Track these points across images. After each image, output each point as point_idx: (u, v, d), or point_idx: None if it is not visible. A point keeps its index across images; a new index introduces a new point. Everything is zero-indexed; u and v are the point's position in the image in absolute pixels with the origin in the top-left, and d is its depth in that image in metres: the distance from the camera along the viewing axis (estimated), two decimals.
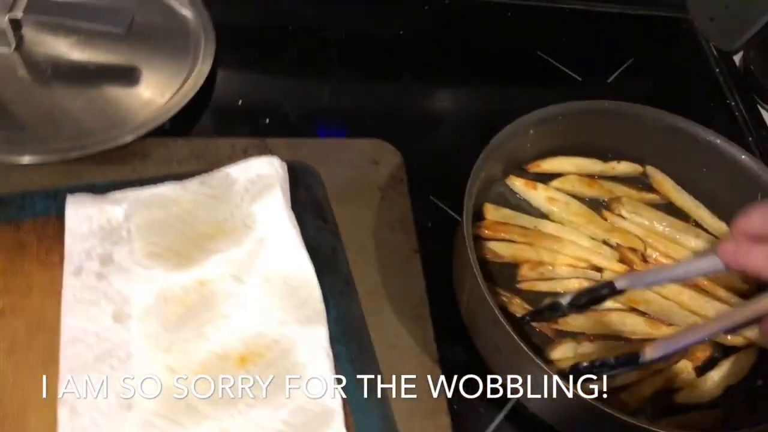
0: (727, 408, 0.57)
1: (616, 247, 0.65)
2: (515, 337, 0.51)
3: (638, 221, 0.67)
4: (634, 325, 0.61)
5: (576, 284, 0.62)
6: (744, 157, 0.65)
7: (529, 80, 0.84)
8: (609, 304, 0.61)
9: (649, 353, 0.50)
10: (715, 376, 0.59)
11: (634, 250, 0.65)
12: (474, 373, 0.58)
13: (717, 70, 0.88)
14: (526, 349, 0.50)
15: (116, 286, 0.56)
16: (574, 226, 0.66)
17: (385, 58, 0.82)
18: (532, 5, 0.90)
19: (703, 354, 0.60)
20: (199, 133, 0.69)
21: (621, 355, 0.52)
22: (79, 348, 0.53)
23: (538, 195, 0.67)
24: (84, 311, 0.54)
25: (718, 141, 0.66)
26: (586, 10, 0.91)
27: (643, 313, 0.61)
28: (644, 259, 0.65)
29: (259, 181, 0.62)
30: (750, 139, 0.81)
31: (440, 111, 0.80)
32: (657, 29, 0.92)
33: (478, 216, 0.65)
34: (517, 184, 0.67)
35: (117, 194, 0.61)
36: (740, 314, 0.50)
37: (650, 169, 0.71)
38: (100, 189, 0.62)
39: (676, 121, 0.66)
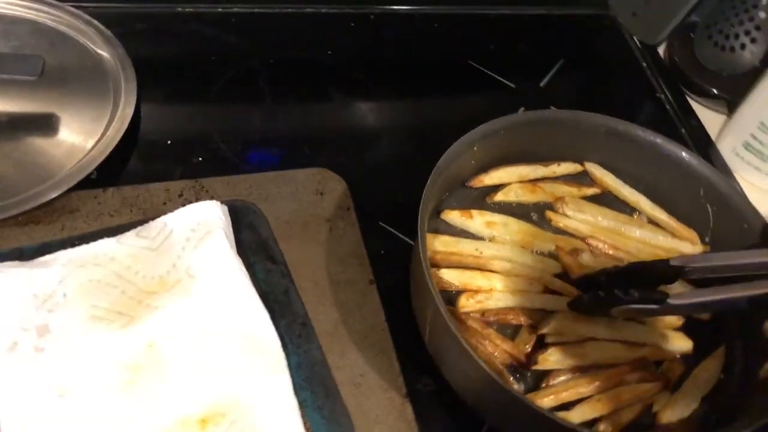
0: (708, 414, 0.57)
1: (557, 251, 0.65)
2: (484, 366, 0.50)
3: (582, 218, 0.67)
4: (614, 350, 0.59)
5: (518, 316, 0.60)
6: (684, 154, 0.66)
7: (463, 91, 0.83)
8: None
9: (674, 300, 0.50)
10: (688, 389, 0.58)
11: (576, 251, 0.64)
12: (444, 402, 0.57)
13: (644, 64, 0.90)
14: (496, 378, 0.49)
15: (58, 358, 0.52)
16: (518, 244, 0.65)
17: (316, 80, 0.80)
18: (457, 13, 0.90)
19: (674, 373, 0.59)
20: (130, 180, 0.65)
21: (646, 291, 0.51)
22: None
23: (475, 223, 0.65)
24: (25, 391, 0.50)
25: (658, 140, 0.66)
26: (511, 14, 0.91)
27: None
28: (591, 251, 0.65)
29: (199, 228, 0.59)
30: (683, 131, 0.83)
31: (378, 130, 0.78)
32: (581, 28, 0.93)
33: None
34: (452, 216, 0.65)
35: (48, 257, 0.57)
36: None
37: (589, 165, 0.71)
38: (28, 253, 0.58)
39: (616, 124, 0.67)
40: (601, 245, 0.66)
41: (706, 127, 0.84)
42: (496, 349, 0.58)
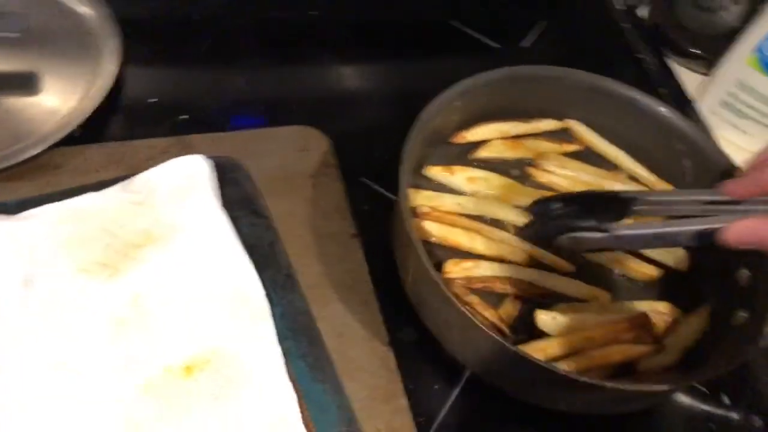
0: (689, 366, 0.58)
1: None
2: (464, 310, 0.51)
3: (564, 173, 0.68)
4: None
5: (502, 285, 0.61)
6: (662, 109, 0.67)
7: (446, 52, 0.83)
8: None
9: (620, 230, 0.49)
10: (672, 341, 0.59)
11: None
12: (426, 351, 0.58)
13: (624, 25, 0.90)
14: (477, 322, 0.51)
15: (44, 310, 0.53)
16: (499, 199, 0.66)
17: (300, 40, 0.80)
18: None
19: (664, 323, 0.61)
20: (114, 138, 0.66)
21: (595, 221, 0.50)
22: (13, 385, 0.50)
23: (456, 178, 0.66)
24: (10, 343, 0.51)
25: (637, 96, 0.67)
26: None
27: None
28: None
29: (184, 183, 0.59)
30: (663, 91, 0.83)
31: (361, 90, 0.78)
32: None
33: None
34: (434, 172, 0.66)
35: (32, 211, 0.57)
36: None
37: (570, 122, 0.72)
38: (12, 208, 0.58)
39: (597, 80, 0.67)
40: None
41: (686, 86, 0.85)
42: (478, 317, 0.57)
